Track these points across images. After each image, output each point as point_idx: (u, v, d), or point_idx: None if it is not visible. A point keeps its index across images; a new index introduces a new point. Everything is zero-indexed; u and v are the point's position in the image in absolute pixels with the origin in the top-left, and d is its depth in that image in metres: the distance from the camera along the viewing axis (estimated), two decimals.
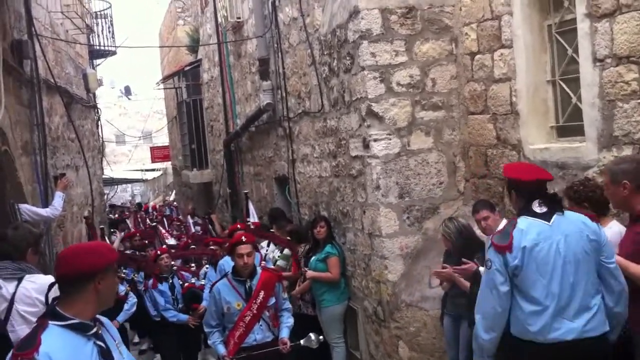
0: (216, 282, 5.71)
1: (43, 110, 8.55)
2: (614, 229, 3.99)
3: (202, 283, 7.95)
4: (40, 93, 8.41)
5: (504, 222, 5.08)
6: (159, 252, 7.97)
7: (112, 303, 2.79)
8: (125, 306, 7.59)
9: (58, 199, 7.11)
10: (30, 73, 8.17)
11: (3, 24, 6.85)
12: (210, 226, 11.74)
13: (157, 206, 25.58)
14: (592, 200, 4.12)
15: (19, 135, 7.43)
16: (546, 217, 3.63)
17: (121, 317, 7.49)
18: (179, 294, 7.62)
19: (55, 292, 2.68)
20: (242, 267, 5.37)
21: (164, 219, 16.95)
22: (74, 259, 2.61)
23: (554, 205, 3.69)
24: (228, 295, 5.38)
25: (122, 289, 7.45)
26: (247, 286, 5.39)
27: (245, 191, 9.59)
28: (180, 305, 7.59)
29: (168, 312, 7.50)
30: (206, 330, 5.55)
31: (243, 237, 5.46)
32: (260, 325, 5.39)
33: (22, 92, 7.94)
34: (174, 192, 28.89)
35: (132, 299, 7.72)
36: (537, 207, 3.67)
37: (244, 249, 5.35)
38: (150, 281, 7.65)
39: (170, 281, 7.61)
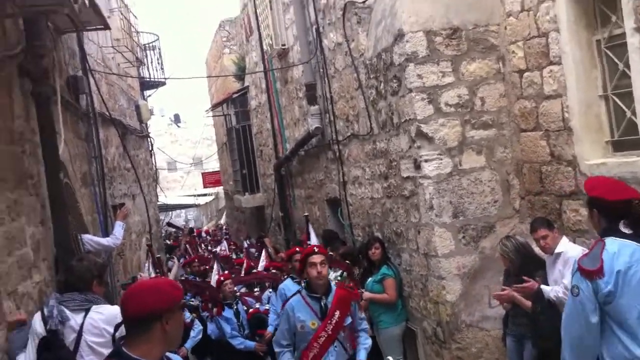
0: (289, 298, 5.41)
1: (100, 142, 8.82)
2: None
3: (267, 307, 7.82)
4: (96, 126, 8.67)
5: (563, 239, 5.03)
6: (222, 278, 7.93)
7: (179, 342, 2.74)
8: (192, 333, 7.55)
9: (118, 228, 7.27)
10: (86, 107, 8.43)
11: (59, 61, 7.11)
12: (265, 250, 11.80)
13: (210, 230, 25.88)
14: None
15: (78, 167, 7.67)
16: (634, 238, 3.38)
17: (188, 344, 7.48)
18: (244, 320, 7.56)
19: (123, 331, 2.66)
20: (316, 277, 4.99)
21: (225, 241, 17.08)
22: (139, 298, 2.54)
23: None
24: (302, 313, 5.04)
25: (188, 316, 7.45)
26: (322, 304, 5.03)
27: (305, 214, 9.64)
28: (246, 332, 7.53)
29: (235, 339, 7.42)
30: (276, 350, 5.23)
31: (315, 248, 5.23)
32: (335, 346, 5.01)
33: (80, 126, 8.20)
34: (223, 215, 29.23)
35: (198, 326, 7.69)
36: (623, 228, 3.41)
37: (317, 258, 5.02)
38: (215, 309, 7.65)
39: (235, 307, 7.59)
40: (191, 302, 8.25)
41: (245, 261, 10.87)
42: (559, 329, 4.77)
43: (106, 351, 4.02)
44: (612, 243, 3.37)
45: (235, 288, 8.04)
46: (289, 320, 5.07)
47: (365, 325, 5.33)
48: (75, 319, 4.29)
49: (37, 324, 4.24)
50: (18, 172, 5.17)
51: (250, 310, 7.81)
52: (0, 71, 4.90)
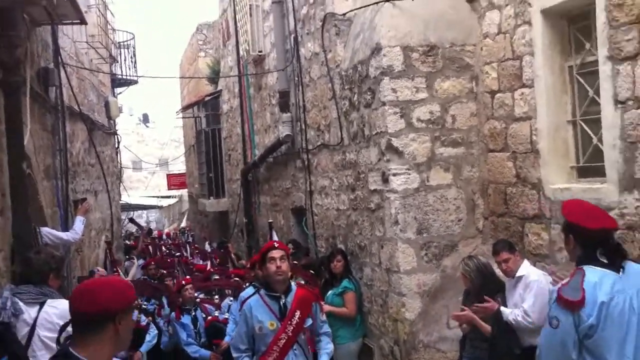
0: (247, 298, 5.11)
1: (66, 135, 8.68)
2: None
3: (226, 317, 7.45)
4: (64, 119, 8.55)
5: (525, 263, 5.05)
6: (183, 282, 7.67)
7: (128, 345, 2.59)
8: (147, 337, 7.28)
9: (79, 223, 7.19)
10: (55, 100, 8.31)
11: (31, 52, 7.01)
12: (228, 256, 11.60)
13: (171, 233, 25.53)
14: None
15: (42, 159, 7.54)
16: (612, 267, 3.24)
17: (144, 348, 7.21)
18: (201, 328, 7.29)
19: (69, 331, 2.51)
20: (275, 272, 4.70)
21: (187, 245, 16.84)
22: (94, 296, 2.38)
23: (617, 256, 3.29)
24: (260, 313, 4.75)
25: (144, 319, 7.23)
26: (281, 303, 4.75)
27: (270, 220, 9.55)
28: (202, 340, 7.25)
29: (190, 347, 7.13)
30: (234, 355, 4.91)
31: (275, 244, 4.96)
32: (295, 349, 4.73)
33: (47, 118, 8.07)
34: (184, 218, 28.95)
35: (154, 330, 7.43)
36: (600, 256, 3.27)
37: (276, 253, 4.75)
38: (173, 314, 7.42)
39: (193, 314, 7.34)
40: (144, 306, 8.01)
41: (208, 266, 10.68)
42: (514, 353, 4.83)
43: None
44: (592, 272, 3.21)
45: (195, 294, 7.76)
46: (247, 321, 4.80)
47: (327, 328, 5.06)
48: (29, 312, 4.21)
49: None
50: None
51: (209, 318, 7.51)
52: None
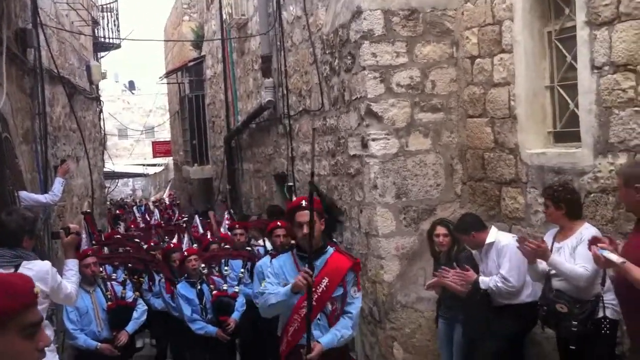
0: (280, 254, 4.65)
1: (45, 99, 8.57)
2: (591, 230, 4.20)
3: (236, 290, 6.79)
4: (42, 82, 8.42)
5: (492, 229, 5.08)
6: (186, 253, 7.01)
7: None
8: (135, 314, 6.52)
9: (57, 185, 7.10)
10: (34, 62, 8.18)
11: (8, 12, 6.87)
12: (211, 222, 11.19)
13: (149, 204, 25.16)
14: (568, 202, 4.30)
15: (20, 123, 7.44)
16: None
17: (130, 327, 6.43)
18: (207, 303, 6.60)
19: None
20: (302, 238, 4.15)
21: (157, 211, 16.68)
22: None
23: None
24: (289, 273, 4.21)
25: (130, 294, 6.60)
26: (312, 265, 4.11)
27: (290, 184, 9.21)
28: (209, 316, 6.58)
29: (195, 323, 6.50)
30: (258, 300, 4.47)
31: (303, 202, 4.23)
32: (319, 319, 4.15)
33: (25, 81, 7.95)
34: (167, 188, 28.87)
35: (142, 306, 6.70)
36: None
37: (304, 216, 4.10)
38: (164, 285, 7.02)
39: (199, 287, 6.63)
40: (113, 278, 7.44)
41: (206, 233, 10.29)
42: (488, 318, 4.93)
43: None
44: None
45: (202, 265, 6.88)
46: (278, 277, 4.24)
47: (353, 309, 4.28)
48: None
49: None
50: None
51: (215, 292, 6.69)
52: None
